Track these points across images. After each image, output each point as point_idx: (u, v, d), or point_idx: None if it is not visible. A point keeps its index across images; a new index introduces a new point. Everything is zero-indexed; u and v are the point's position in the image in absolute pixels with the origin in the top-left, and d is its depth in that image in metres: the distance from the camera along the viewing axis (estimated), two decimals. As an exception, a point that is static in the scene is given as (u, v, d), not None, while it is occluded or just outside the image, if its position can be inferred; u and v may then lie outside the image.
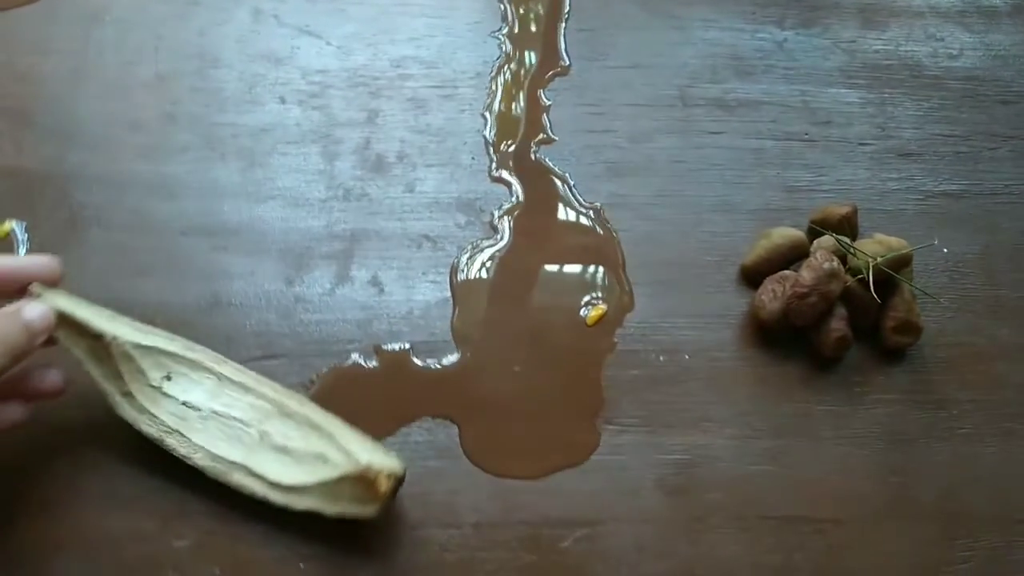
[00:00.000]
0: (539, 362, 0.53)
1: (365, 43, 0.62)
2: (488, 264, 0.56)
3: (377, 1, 0.64)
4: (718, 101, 0.63)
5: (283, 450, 0.47)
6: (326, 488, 0.45)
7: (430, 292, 0.54)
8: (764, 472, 0.51)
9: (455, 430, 0.51)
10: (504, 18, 0.64)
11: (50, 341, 0.43)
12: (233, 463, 0.46)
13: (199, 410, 0.47)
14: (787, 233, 0.56)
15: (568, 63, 0.63)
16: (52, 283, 0.44)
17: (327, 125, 0.59)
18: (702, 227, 0.58)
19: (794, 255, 0.55)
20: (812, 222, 0.57)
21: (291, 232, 0.55)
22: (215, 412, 0.47)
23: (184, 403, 0.47)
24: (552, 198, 0.58)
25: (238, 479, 0.46)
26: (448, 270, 0.55)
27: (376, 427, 0.49)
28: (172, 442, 0.46)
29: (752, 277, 0.56)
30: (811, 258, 0.53)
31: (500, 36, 0.63)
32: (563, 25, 0.64)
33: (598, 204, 0.58)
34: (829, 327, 0.53)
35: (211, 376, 0.48)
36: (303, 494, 0.46)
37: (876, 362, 0.55)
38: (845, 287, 0.53)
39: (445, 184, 0.58)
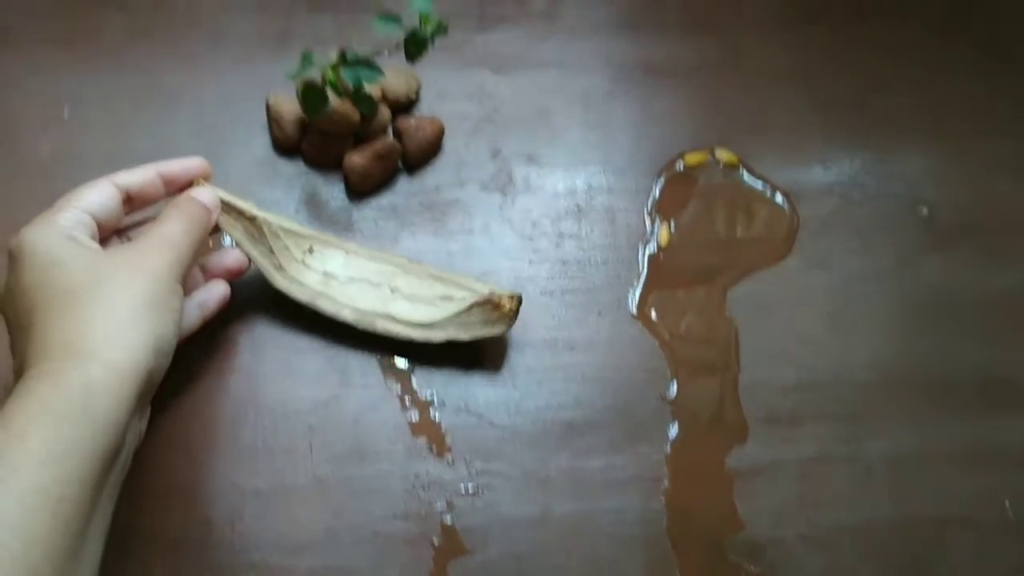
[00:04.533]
0: None
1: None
2: None
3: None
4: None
5: (414, 298, 0.56)
6: (458, 319, 0.54)
7: None
8: None
9: None
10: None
11: (214, 228, 0.52)
12: (376, 313, 0.55)
13: (337, 277, 0.56)
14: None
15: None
16: (206, 179, 0.53)
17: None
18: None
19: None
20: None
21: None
22: (351, 277, 0.56)
23: (324, 272, 0.56)
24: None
25: (382, 325, 0.55)
26: None
27: None
28: (322, 303, 0.55)
29: None
30: None
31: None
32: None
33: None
34: None
35: (340, 250, 0.57)
36: (440, 328, 0.55)
37: None
38: None
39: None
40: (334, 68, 0.57)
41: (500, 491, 0.55)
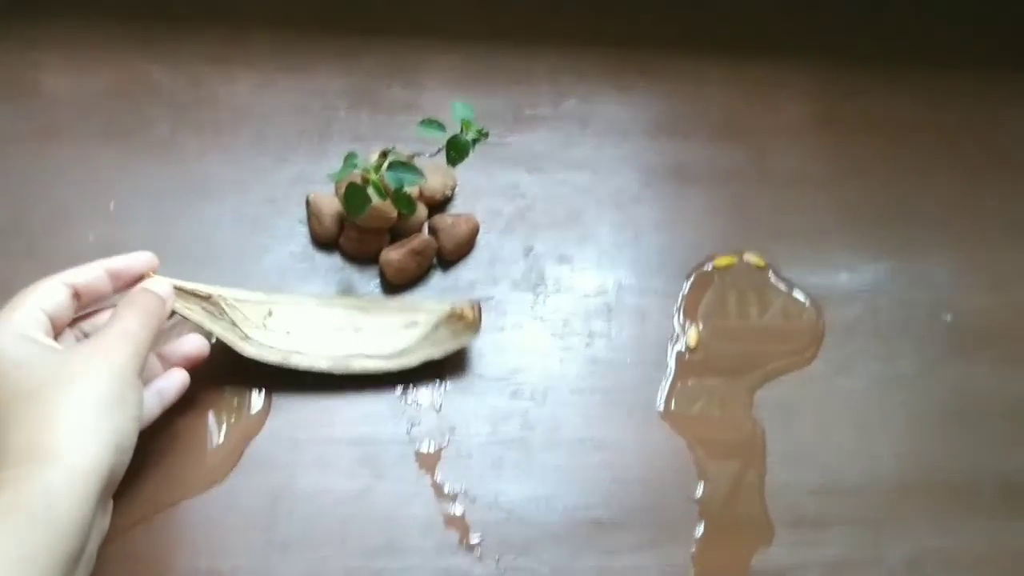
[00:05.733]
0: None
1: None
2: None
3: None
4: None
5: (380, 332, 0.58)
6: (427, 339, 0.58)
7: None
8: None
9: None
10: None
11: (171, 315, 0.53)
12: (349, 355, 0.57)
13: (301, 333, 0.57)
14: None
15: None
16: (154, 271, 0.53)
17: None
18: None
19: None
20: None
21: None
22: (314, 329, 0.58)
23: (287, 332, 0.57)
24: None
25: (359, 364, 0.58)
26: None
27: None
28: (296, 359, 0.57)
29: None
30: None
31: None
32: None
33: None
34: None
35: (297, 307, 0.58)
36: (413, 352, 0.58)
37: None
38: None
39: None
40: (376, 170, 0.59)
41: (528, 589, 0.56)
